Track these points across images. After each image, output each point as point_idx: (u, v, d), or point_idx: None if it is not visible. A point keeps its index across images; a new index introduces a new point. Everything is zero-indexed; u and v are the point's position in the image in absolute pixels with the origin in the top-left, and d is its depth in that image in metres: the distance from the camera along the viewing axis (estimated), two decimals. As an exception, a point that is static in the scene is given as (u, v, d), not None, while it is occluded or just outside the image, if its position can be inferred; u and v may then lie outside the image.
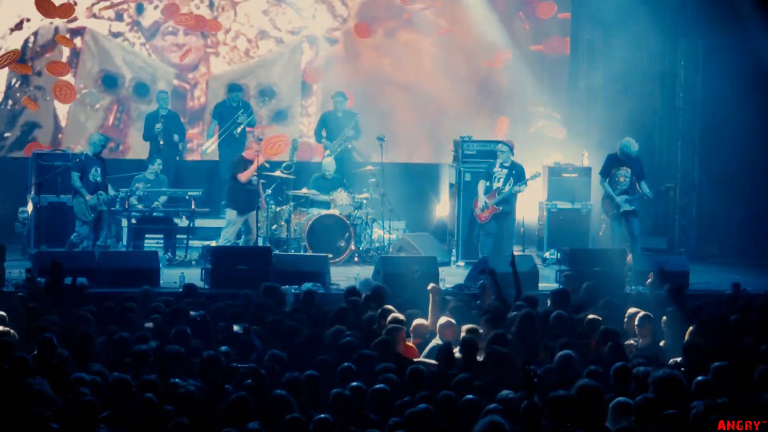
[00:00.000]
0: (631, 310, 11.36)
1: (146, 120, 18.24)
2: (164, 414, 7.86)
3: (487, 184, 16.83)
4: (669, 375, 8.36)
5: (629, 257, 15.32)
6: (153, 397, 7.97)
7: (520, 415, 7.56)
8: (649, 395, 8.11)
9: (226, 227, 16.68)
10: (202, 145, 18.97)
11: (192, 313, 10.88)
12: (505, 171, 16.81)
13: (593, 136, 19.30)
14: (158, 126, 17.96)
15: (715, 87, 18.64)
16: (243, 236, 16.70)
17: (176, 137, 18.11)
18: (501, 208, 16.70)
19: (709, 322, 10.87)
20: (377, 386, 8.51)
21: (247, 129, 18.22)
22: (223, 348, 9.68)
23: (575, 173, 17.73)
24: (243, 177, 16.52)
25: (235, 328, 10.62)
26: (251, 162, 16.56)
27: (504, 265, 12.61)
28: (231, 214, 16.63)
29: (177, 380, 8.65)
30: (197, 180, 18.25)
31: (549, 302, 12.10)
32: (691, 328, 10.57)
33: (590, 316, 10.90)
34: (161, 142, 17.89)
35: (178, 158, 18.53)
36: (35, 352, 9.41)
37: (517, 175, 16.81)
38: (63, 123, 19.09)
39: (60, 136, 19.02)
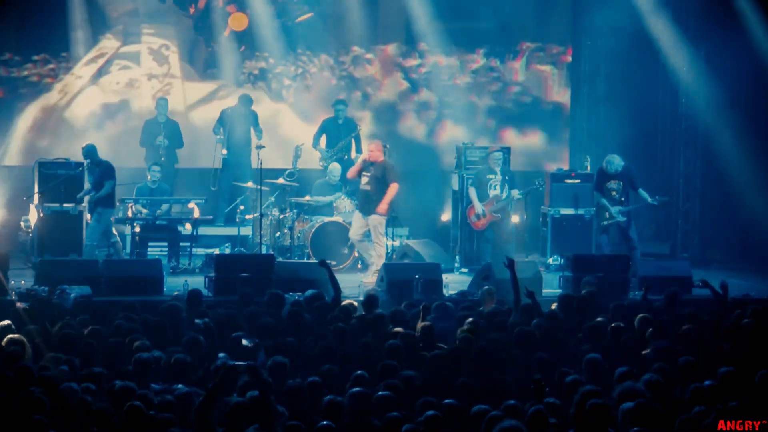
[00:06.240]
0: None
1: (144, 126, 18.23)
2: (160, 421, 7.86)
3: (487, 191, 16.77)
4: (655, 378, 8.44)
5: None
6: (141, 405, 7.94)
7: (526, 421, 7.58)
8: (646, 400, 8.13)
9: None
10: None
11: (197, 321, 10.89)
12: (500, 178, 16.77)
13: (595, 142, 19.30)
14: (160, 138, 17.96)
15: (717, 93, 18.64)
16: None
17: (163, 141, 18.02)
18: (500, 216, 16.66)
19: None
20: (382, 393, 8.51)
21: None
22: (221, 355, 9.69)
23: (578, 179, 17.70)
24: None
25: (245, 342, 10.52)
26: None
27: (506, 271, 12.57)
28: None
29: (180, 386, 8.67)
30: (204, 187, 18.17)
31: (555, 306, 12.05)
32: None
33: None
34: (163, 159, 17.82)
35: (176, 165, 18.47)
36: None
37: (510, 180, 16.77)
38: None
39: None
